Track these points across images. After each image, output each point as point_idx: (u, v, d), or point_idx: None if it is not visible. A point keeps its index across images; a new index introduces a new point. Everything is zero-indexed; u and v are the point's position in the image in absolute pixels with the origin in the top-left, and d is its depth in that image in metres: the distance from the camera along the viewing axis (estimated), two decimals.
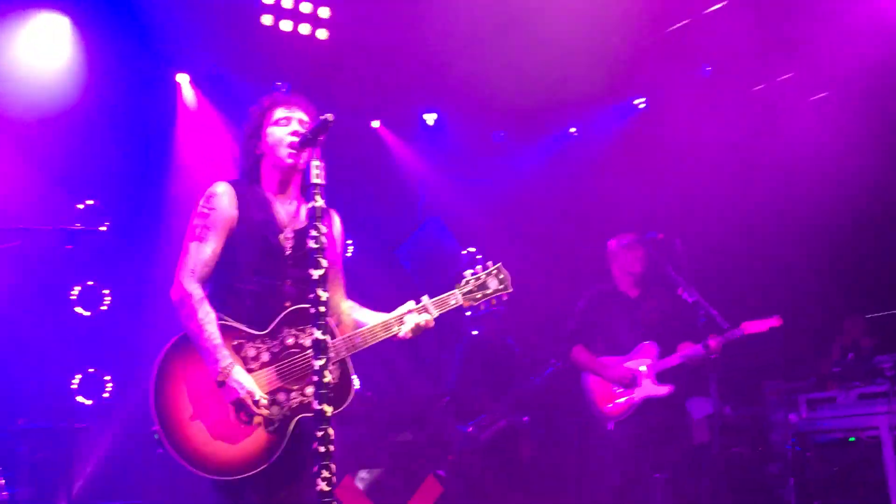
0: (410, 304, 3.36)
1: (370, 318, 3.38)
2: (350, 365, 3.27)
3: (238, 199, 3.30)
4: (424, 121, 8.30)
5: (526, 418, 6.54)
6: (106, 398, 6.67)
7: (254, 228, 3.29)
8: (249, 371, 3.16)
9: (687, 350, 5.32)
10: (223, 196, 3.29)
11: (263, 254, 3.28)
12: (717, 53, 7.38)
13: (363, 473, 5.81)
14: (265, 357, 3.20)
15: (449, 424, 6.38)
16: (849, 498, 5.57)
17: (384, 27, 6.79)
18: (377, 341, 3.29)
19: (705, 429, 6.74)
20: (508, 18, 6.64)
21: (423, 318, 3.32)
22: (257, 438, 3.13)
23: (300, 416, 3.17)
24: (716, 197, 7.37)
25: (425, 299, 3.36)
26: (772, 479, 6.35)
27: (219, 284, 3.28)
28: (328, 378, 2.83)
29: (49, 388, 5.79)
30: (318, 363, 2.85)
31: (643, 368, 5.35)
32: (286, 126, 3.37)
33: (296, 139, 3.30)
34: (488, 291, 3.44)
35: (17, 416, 5.28)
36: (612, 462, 5.40)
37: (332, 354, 3.13)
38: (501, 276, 3.48)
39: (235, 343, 3.18)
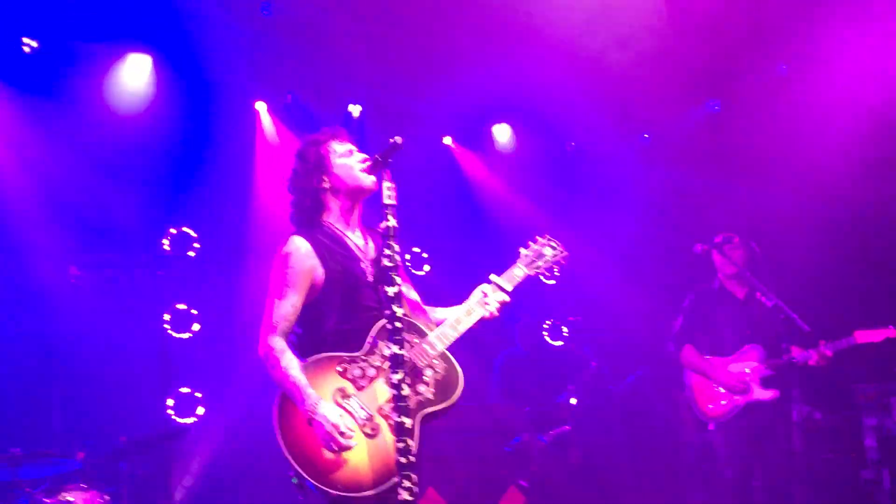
0: (483, 287, 3.56)
1: (449, 313, 3.54)
2: (452, 357, 3.40)
3: (315, 248, 3.41)
4: (494, 134, 8.40)
5: (568, 427, 6.53)
6: (199, 416, 6.94)
7: (342, 269, 3.41)
8: (360, 388, 3.28)
9: (796, 354, 5.23)
10: (299, 251, 3.39)
11: (359, 288, 3.41)
12: (793, 52, 7.26)
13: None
14: (371, 372, 3.32)
15: (531, 434, 6.40)
16: None
17: (451, 44, 6.91)
18: (467, 327, 3.45)
19: (794, 435, 6.59)
20: (580, 22, 6.64)
21: (501, 296, 3.53)
22: (389, 447, 3.18)
23: (421, 412, 3.28)
24: (793, 200, 7.20)
25: (494, 277, 3.57)
26: (866, 486, 6.15)
27: (324, 330, 3.39)
28: (406, 391, 3.01)
29: (146, 407, 6.07)
30: (395, 377, 2.98)
31: (748, 371, 5.29)
32: (350, 157, 3.53)
33: (366, 164, 3.44)
34: (547, 258, 3.70)
35: (118, 434, 5.52)
36: (709, 465, 5.36)
37: (430, 351, 3.35)
38: (553, 244, 3.75)
39: (340, 368, 3.30)
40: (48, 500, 4.78)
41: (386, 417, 3.25)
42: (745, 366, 5.32)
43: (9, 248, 6.28)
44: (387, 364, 3.28)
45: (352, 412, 3.24)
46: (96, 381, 6.31)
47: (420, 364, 3.33)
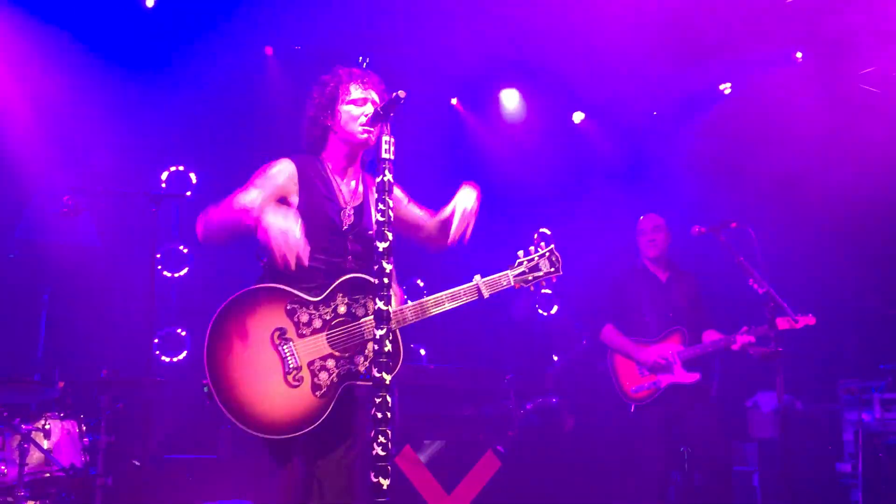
0: (464, 287, 3.40)
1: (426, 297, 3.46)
2: (399, 337, 3.33)
3: (300, 177, 3.40)
4: (501, 99, 8.30)
5: (555, 399, 6.56)
6: (184, 357, 6.95)
7: (316, 206, 3.39)
8: (301, 336, 3.24)
9: (713, 338, 5.31)
10: (283, 172, 3.39)
11: (325, 231, 3.38)
12: (810, 38, 7.16)
13: (427, 446, 5.91)
14: (317, 324, 3.28)
15: (511, 401, 6.41)
16: None
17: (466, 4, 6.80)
18: (428, 316, 3.35)
19: (773, 423, 6.63)
20: None
21: (473, 297, 3.37)
22: (304, 402, 3.21)
23: (346, 383, 3.26)
24: (799, 187, 7.16)
25: (477, 279, 3.40)
26: (841, 479, 6.21)
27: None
28: (388, 348, 2.90)
29: (131, 344, 6.05)
30: (379, 332, 2.93)
31: (671, 354, 5.32)
32: (361, 107, 3.44)
33: (367, 118, 3.38)
34: (539, 274, 3.49)
35: (100, 367, 5.52)
36: (635, 445, 5.39)
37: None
38: (553, 259, 3.51)
39: (289, 307, 3.27)
40: (25, 426, 4.80)
41: (313, 374, 3.24)
42: (669, 348, 5.35)
43: (5, 170, 6.22)
44: (336, 321, 3.28)
45: (283, 356, 3.22)
46: (84, 313, 6.30)
47: (367, 336, 3.28)
